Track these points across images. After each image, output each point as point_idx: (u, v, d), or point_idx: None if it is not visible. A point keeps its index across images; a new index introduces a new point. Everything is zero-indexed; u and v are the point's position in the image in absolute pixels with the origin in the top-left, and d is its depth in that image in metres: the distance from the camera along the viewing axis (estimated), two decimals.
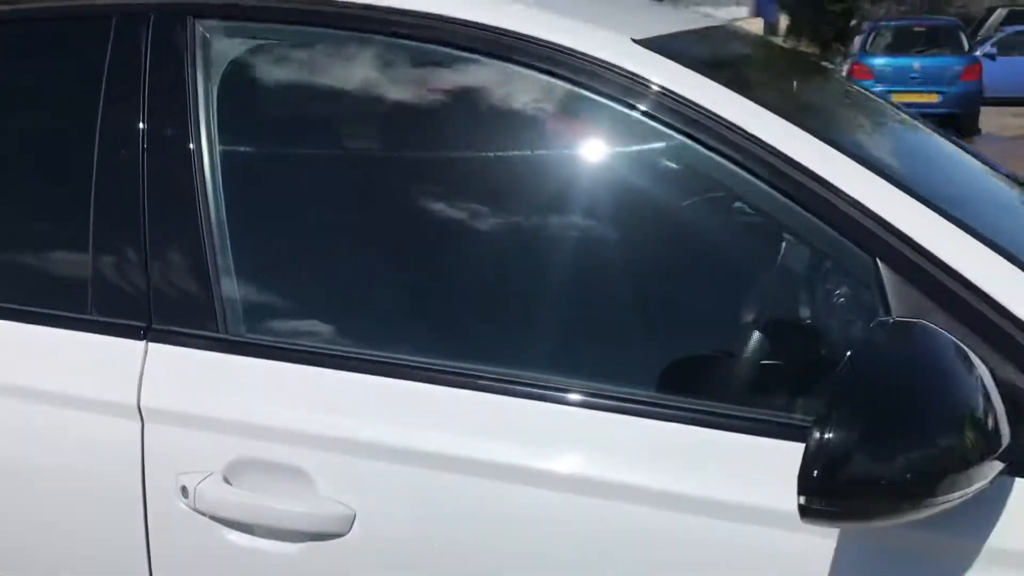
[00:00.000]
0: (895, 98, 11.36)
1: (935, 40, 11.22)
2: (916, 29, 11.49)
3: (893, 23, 12.36)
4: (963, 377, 0.79)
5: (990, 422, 0.78)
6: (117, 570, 1.08)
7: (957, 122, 10.12)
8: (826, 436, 0.72)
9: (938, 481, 0.75)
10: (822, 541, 0.85)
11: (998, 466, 0.78)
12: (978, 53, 11.50)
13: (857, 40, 12.43)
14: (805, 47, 21.86)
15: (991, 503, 0.83)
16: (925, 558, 0.86)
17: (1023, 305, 0.86)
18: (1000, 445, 0.78)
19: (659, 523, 0.91)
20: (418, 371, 1.01)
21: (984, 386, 0.80)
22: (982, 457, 0.77)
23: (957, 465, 0.75)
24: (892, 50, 11.31)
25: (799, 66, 2.00)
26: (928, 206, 0.92)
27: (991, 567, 0.83)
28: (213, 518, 1.02)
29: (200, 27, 1.15)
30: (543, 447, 0.96)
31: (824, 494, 0.73)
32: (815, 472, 0.72)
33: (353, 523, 0.98)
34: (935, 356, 0.79)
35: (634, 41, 1.05)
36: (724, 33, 1.45)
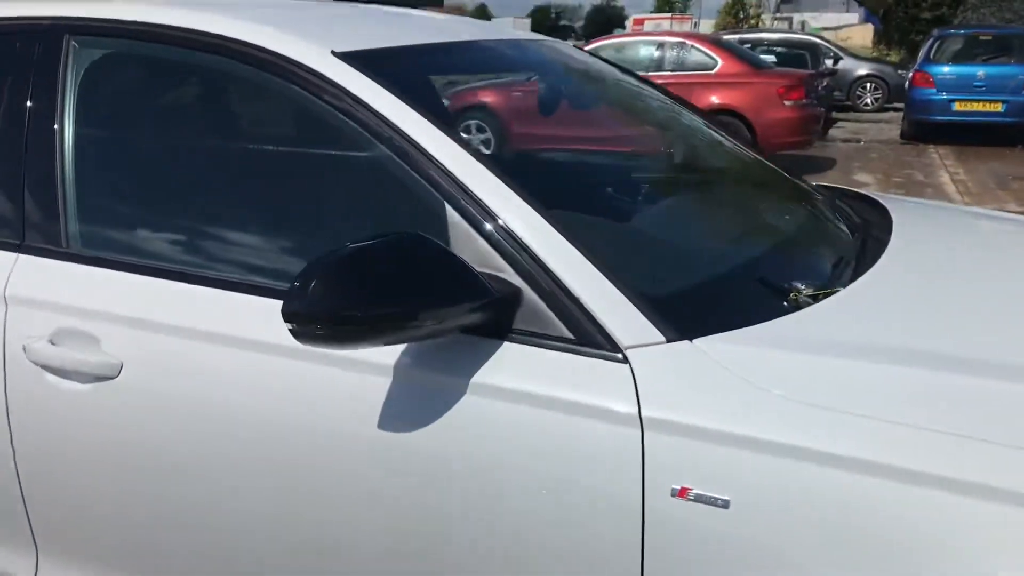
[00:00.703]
0: (957, 106, 11.28)
1: (1002, 49, 11.08)
2: (982, 38, 11.37)
3: (959, 31, 12.22)
4: (431, 262, 1.23)
5: (450, 295, 1.23)
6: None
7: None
8: (310, 287, 1.17)
9: (390, 324, 1.20)
10: (374, 379, 1.31)
11: (444, 326, 1.22)
12: None
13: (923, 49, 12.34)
14: (894, 56, 21.38)
15: (482, 355, 1.27)
16: (439, 393, 1.30)
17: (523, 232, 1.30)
18: (445, 311, 1.22)
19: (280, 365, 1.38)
20: (174, 274, 1.51)
21: (459, 276, 1.24)
22: (418, 316, 1.21)
23: (403, 317, 1.20)
24: (957, 58, 11.20)
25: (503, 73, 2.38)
26: (487, 167, 1.36)
27: (484, 398, 1.27)
28: (41, 366, 1.54)
29: (72, 41, 1.70)
30: (247, 321, 1.44)
31: (306, 324, 1.18)
32: (299, 310, 1.17)
33: (121, 370, 1.49)
34: (414, 249, 1.23)
35: (332, 52, 1.52)
36: (455, 47, 1.89)
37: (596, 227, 1.51)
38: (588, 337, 1.25)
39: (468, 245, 1.32)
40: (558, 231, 1.31)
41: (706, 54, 9.71)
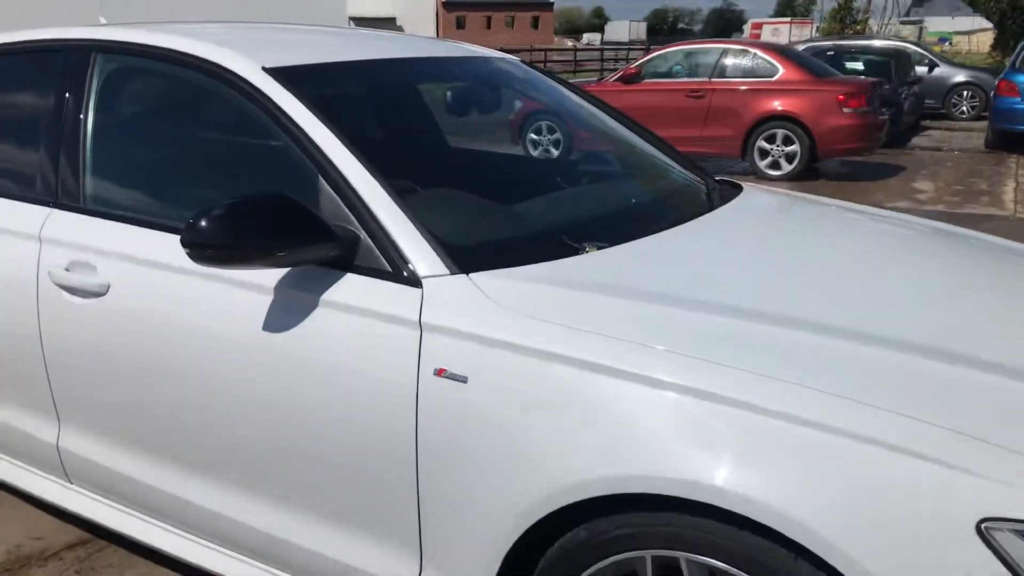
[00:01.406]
0: None
1: None
2: None
3: None
4: (291, 213, 1.79)
5: (304, 236, 1.79)
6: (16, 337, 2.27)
7: None
8: (211, 222, 1.75)
9: (257, 252, 1.77)
10: (260, 296, 1.89)
11: (300, 258, 1.79)
12: None
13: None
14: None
15: (331, 280, 1.83)
16: (300, 306, 1.87)
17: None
18: (299, 248, 1.79)
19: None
20: (141, 222, 2.14)
21: (311, 223, 1.81)
22: (282, 250, 1.78)
23: (266, 249, 1.77)
24: None
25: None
26: (355, 154, 1.92)
27: (329, 310, 1.83)
28: (59, 286, 2.20)
29: (97, 58, 2.36)
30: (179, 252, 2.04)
31: (207, 247, 1.76)
32: (206, 235, 1.75)
33: (108, 289, 2.12)
34: (279, 203, 1.80)
35: (264, 69, 2.11)
36: (364, 63, 2.44)
37: (423, 196, 2.04)
38: (399, 270, 1.80)
39: (331, 204, 1.89)
40: (391, 197, 1.87)
41: (768, 62, 9.98)
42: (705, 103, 10.12)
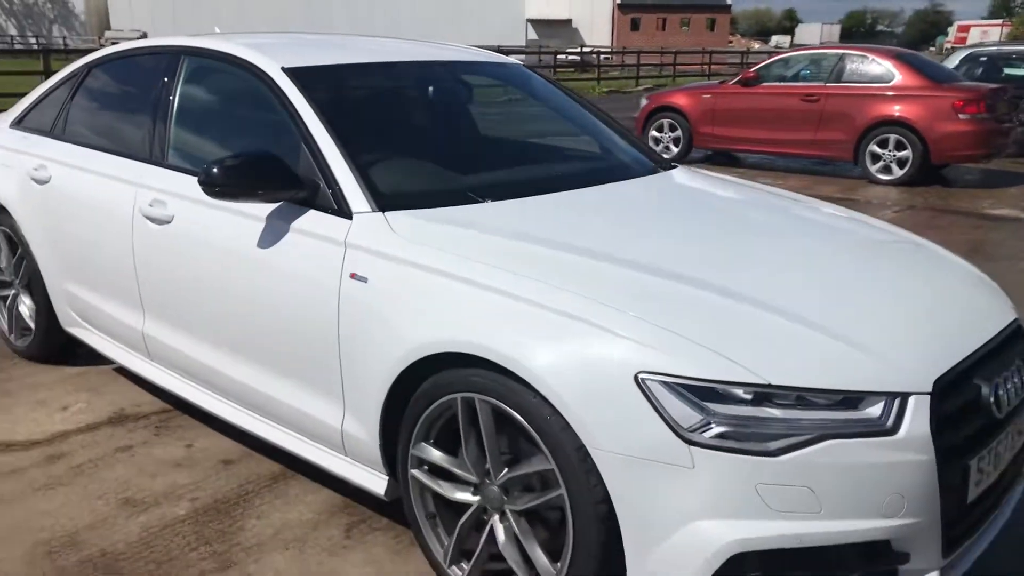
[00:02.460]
0: None
1: None
2: None
3: None
4: (277, 167, 2.65)
5: (283, 183, 2.65)
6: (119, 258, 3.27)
7: None
8: (220, 168, 2.63)
9: (250, 185, 2.63)
10: (255, 223, 2.76)
11: (280, 197, 2.64)
12: None
13: None
14: None
15: (300, 214, 2.68)
16: (279, 231, 2.72)
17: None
18: (279, 191, 2.64)
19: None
20: (187, 171, 3.06)
21: (289, 176, 2.65)
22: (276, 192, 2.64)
23: (271, 186, 2.63)
24: None
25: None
26: (336, 141, 2.75)
27: (295, 234, 2.68)
28: (145, 216, 3.17)
29: (184, 59, 3.33)
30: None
31: (215, 186, 2.64)
32: (214, 178, 2.63)
33: (173, 219, 3.07)
34: (268, 160, 2.65)
35: (283, 69, 2.98)
36: (365, 65, 3.26)
37: (371, 160, 2.80)
38: (341, 208, 2.61)
39: (307, 162, 2.73)
40: (345, 161, 2.68)
41: (884, 67, 10.09)
42: (819, 107, 10.35)
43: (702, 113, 11.39)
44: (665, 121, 11.81)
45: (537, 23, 57.64)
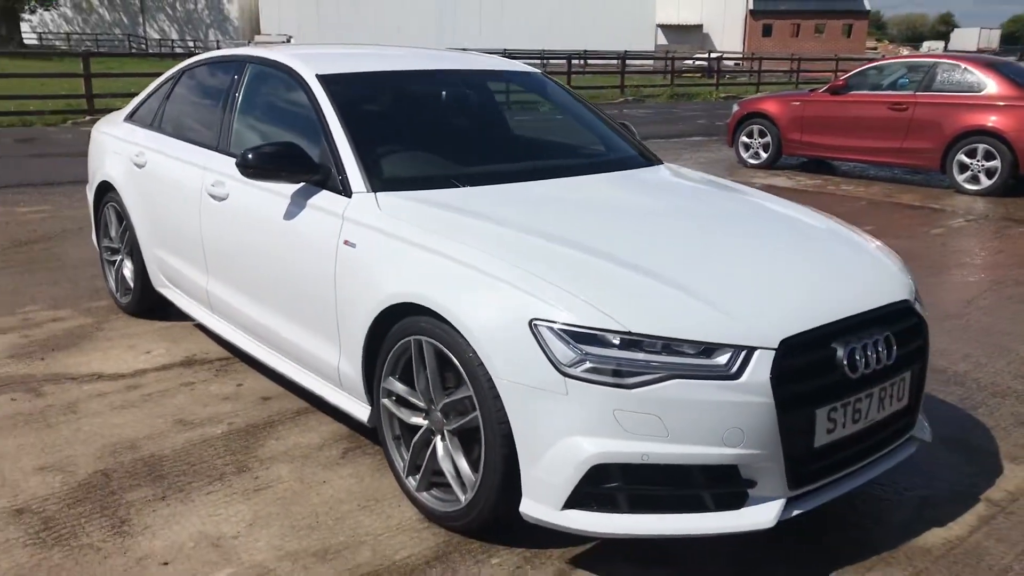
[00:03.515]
0: None
1: None
2: None
3: None
4: (300, 155, 3.29)
5: (302, 168, 3.29)
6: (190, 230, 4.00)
7: None
8: (252, 154, 3.29)
9: (275, 173, 3.29)
10: (282, 199, 3.42)
11: (301, 179, 3.30)
12: None
13: None
14: None
15: (314, 192, 3.32)
16: (300, 206, 3.36)
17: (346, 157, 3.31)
18: (299, 174, 3.29)
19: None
20: (231, 154, 3.75)
21: (309, 162, 3.30)
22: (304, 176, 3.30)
23: (291, 169, 3.29)
24: None
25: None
26: (347, 133, 3.39)
27: (309, 209, 3.31)
28: (209, 195, 3.90)
29: (248, 65, 4.05)
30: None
31: (248, 167, 3.30)
32: (248, 161, 3.30)
33: (228, 196, 3.77)
34: (295, 149, 3.30)
35: (316, 75, 3.64)
36: (390, 73, 3.87)
37: (376, 151, 3.41)
38: (345, 189, 3.24)
39: (324, 152, 3.37)
40: (353, 151, 3.29)
41: (977, 77, 10.03)
42: (907, 115, 10.36)
43: (791, 120, 11.54)
44: (755, 127, 12.01)
45: (667, 28, 57.50)
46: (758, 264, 2.82)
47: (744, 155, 12.17)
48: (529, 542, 2.75)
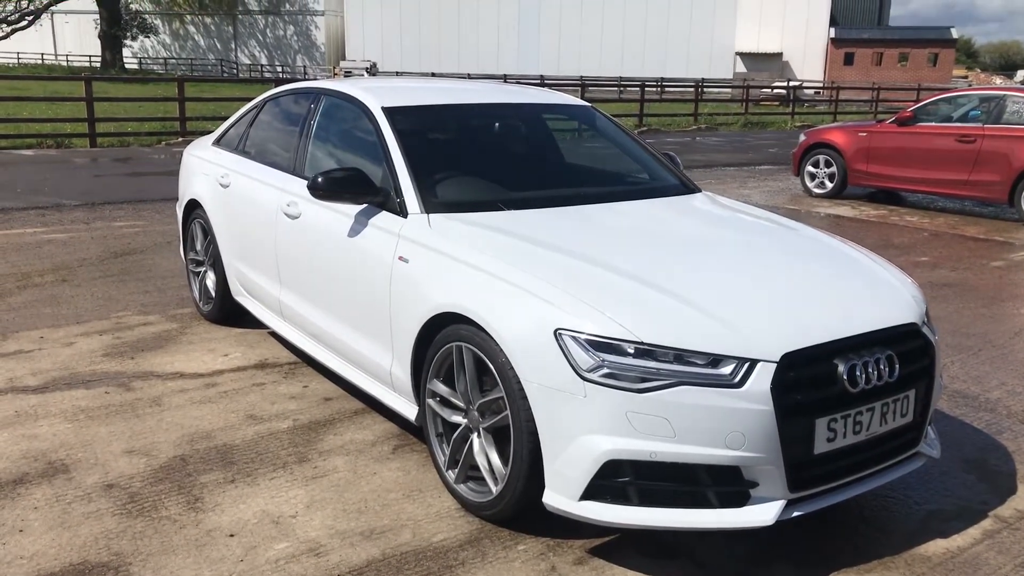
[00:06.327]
0: None
1: None
2: None
3: None
4: (364, 180, 3.66)
5: (366, 191, 3.67)
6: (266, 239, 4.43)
7: None
8: (322, 178, 3.68)
9: (340, 195, 3.68)
10: (346, 219, 3.80)
11: (365, 201, 3.68)
12: None
13: None
14: None
15: (375, 213, 3.69)
16: (363, 225, 3.74)
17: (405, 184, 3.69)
18: (364, 196, 3.67)
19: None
20: (301, 176, 4.15)
21: (371, 186, 3.67)
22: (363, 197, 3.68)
23: (355, 192, 3.67)
24: None
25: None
26: (408, 161, 3.76)
27: (371, 228, 3.69)
28: (284, 213, 4.32)
29: (322, 97, 4.48)
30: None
31: (318, 190, 3.70)
32: (318, 184, 3.69)
33: (300, 216, 4.19)
34: (360, 175, 3.67)
35: (381, 107, 4.03)
36: (450, 107, 4.24)
37: (431, 177, 3.75)
38: (402, 211, 3.60)
39: (386, 177, 3.75)
40: (411, 178, 3.66)
41: None
42: (975, 148, 10.33)
43: (857, 151, 11.59)
44: (821, 157, 12.08)
45: (746, 56, 57.23)
46: (770, 285, 3.07)
47: (810, 184, 12.24)
48: (553, 533, 3.04)
